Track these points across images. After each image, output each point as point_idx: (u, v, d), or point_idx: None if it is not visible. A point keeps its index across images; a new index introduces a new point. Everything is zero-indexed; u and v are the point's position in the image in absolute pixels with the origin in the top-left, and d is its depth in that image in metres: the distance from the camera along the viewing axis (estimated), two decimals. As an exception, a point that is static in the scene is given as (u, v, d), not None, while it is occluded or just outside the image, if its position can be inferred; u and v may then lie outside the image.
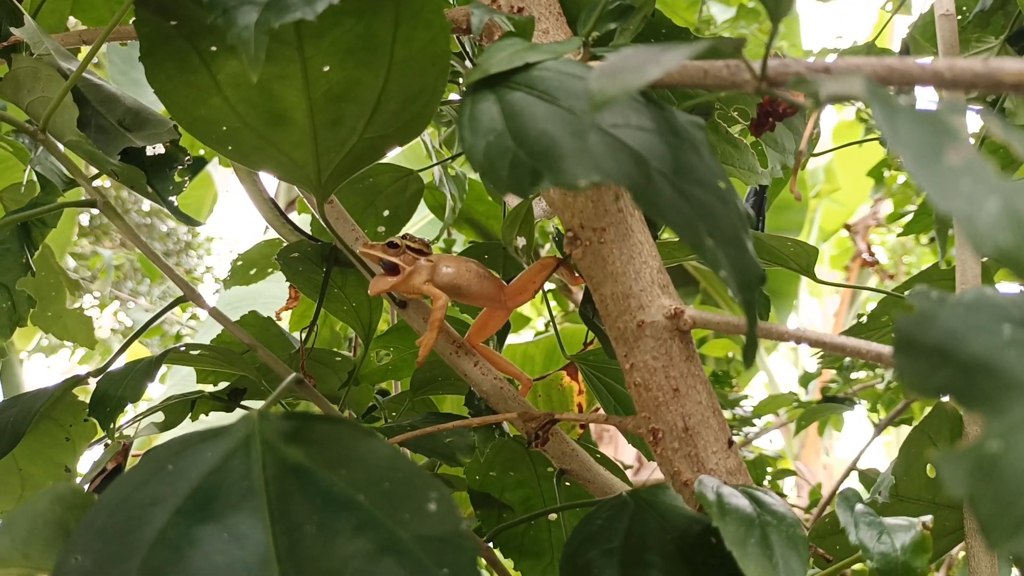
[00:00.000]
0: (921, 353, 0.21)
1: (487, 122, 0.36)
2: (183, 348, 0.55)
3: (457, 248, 1.56)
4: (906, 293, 0.76)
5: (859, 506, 0.41)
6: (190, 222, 0.51)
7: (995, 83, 0.26)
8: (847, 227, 3.71)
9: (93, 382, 0.54)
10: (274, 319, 0.76)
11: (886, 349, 0.35)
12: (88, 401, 0.60)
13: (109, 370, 0.52)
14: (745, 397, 1.71)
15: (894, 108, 0.23)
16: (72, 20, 0.72)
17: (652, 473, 1.88)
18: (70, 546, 0.28)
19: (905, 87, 0.28)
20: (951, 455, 0.18)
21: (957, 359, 0.21)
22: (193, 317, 3.30)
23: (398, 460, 0.31)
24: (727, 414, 1.69)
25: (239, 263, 0.97)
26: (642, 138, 0.34)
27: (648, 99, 0.36)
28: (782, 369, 3.98)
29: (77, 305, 0.72)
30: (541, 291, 0.72)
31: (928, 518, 0.39)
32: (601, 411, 0.73)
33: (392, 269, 0.50)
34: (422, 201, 0.88)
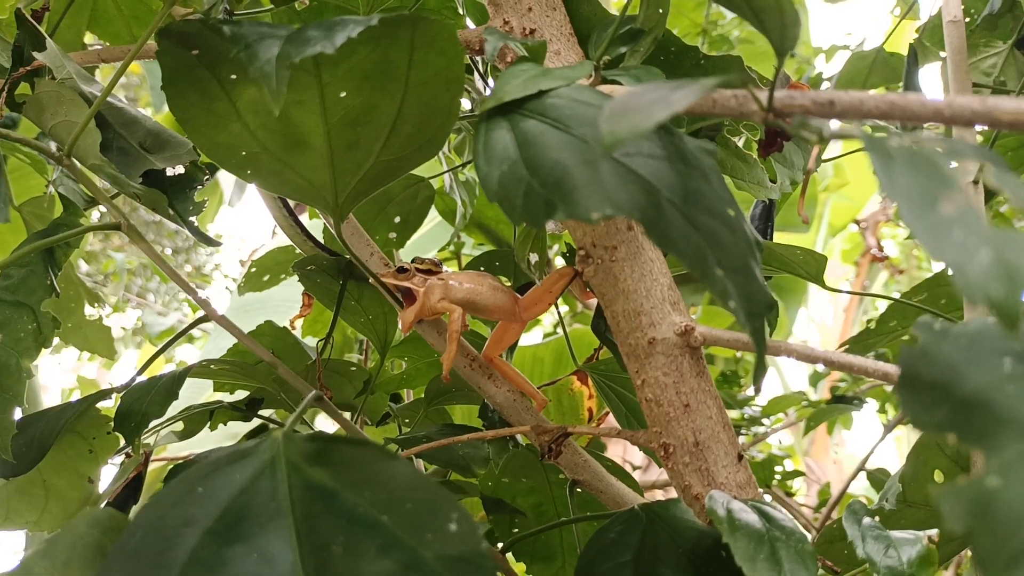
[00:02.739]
0: (923, 388, 0.22)
1: (501, 151, 0.37)
2: (205, 362, 0.56)
3: (466, 251, 1.57)
4: (915, 297, 0.77)
5: (866, 519, 0.42)
6: (210, 242, 0.52)
7: (993, 120, 0.27)
8: (856, 222, 3.71)
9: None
10: (288, 327, 0.77)
11: (892, 368, 0.36)
12: (109, 414, 0.61)
13: (133, 385, 0.53)
14: (753, 398, 1.72)
15: (891, 156, 0.24)
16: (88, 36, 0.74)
17: (661, 473, 1.89)
18: (105, 568, 0.30)
19: (907, 122, 0.29)
20: (952, 491, 0.19)
21: (957, 394, 0.22)
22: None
23: (420, 481, 0.32)
24: (735, 414, 1.70)
25: (253, 270, 0.99)
26: (653, 166, 0.34)
27: (659, 125, 0.37)
28: (791, 366, 3.98)
29: (96, 315, 0.73)
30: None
31: (934, 532, 0.40)
32: (611, 418, 0.74)
33: (407, 294, 0.51)
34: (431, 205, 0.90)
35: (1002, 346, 0.24)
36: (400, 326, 0.51)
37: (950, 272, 0.22)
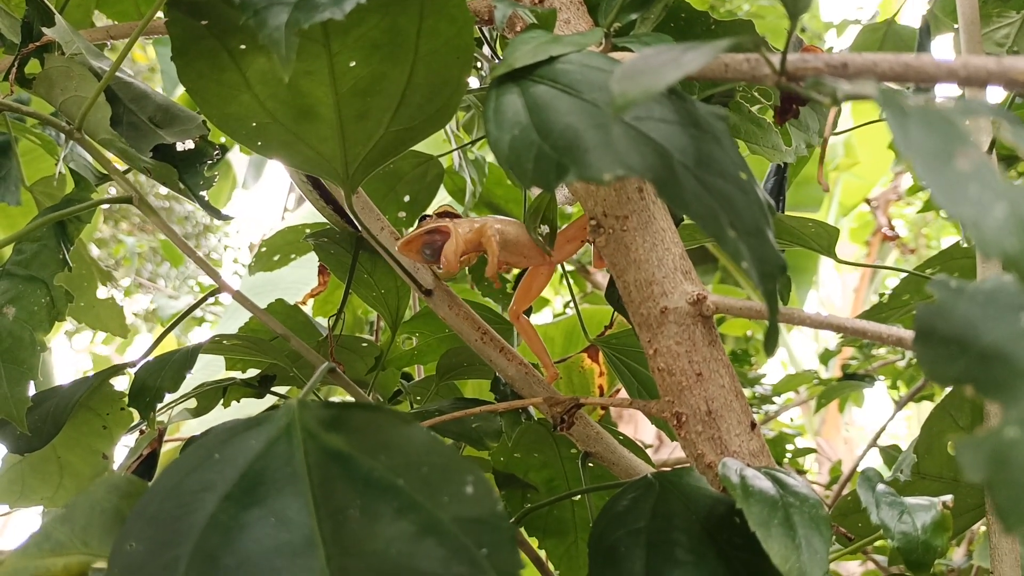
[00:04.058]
0: (940, 343, 0.22)
1: (512, 116, 0.37)
2: (217, 338, 0.57)
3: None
4: (927, 270, 0.76)
5: (880, 486, 0.42)
6: (221, 217, 0.52)
7: (1008, 80, 0.26)
8: (867, 201, 3.69)
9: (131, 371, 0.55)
10: (300, 306, 0.77)
11: (907, 333, 0.36)
12: (124, 390, 0.62)
13: (146, 360, 0.54)
14: (764, 376, 1.72)
15: (905, 113, 0.24)
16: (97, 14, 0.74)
17: (672, 451, 1.90)
18: (124, 533, 0.30)
19: (921, 84, 0.29)
20: (970, 442, 0.19)
21: (974, 349, 0.21)
22: (217, 302, 3.33)
23: (435, 445, 0.32)
24: (746, 392, 1.70)
25: (263, 250, 0.99)
26: (665, 130, 0.34)
27: (670, 90, 0.36)
28: (802, 345, 3.98)
29: (109, 295, 0.74)
30: (561, 271, 0.72)
31: (948, 498, 0.40)
32: (623, 392, 0.74)
33: (434, 252, 0.50)
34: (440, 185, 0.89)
35: (1019, 301, 0.24)
36: (443, 269, 0.49)
37: (965, 228, 0.22)
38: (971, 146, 0.24)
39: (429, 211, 0.55)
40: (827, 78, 0.31)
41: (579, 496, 0.68)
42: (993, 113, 0.29)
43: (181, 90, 2.14)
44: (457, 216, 0.51)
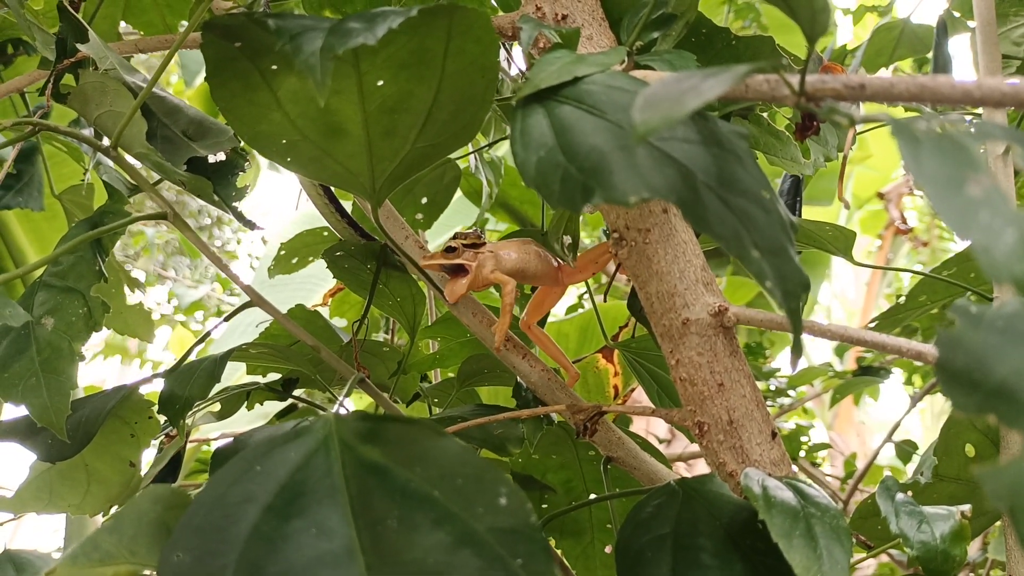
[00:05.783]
0: (960, 373, 0.23)
1: (538, 137, 0.38)
2: (244, 347, 0.58)
3: (490, 227, 1.58)
4: (944, 272, 0.76)
5: (899, 495, 0.42)
6: (253, 227, 0.53)
7: (1021, 102, 0.27)
8: (880, 195, 3.67)
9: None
10: (318, 311, 0.78)
11: (927, 348, 0.37)
12: (151, 399, 0.63)
13: (175, 369, 0.55)
14: (779, 370, 1.72)
15: (918, 140, 0.25)
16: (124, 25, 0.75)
17: (687, 446, 1.90)
18: (172, 544, 0.31)
19: (937, 104, 0.30)
20: (993, 470, 0.20)
21: (993, 378, 0.22)
22: (232, 293, 3.37)
23: (468, 457, 0.33)
24: (760, 385, 1.70)
25: (282, 252, 1.00)
26: (688, 151, 0.35)
27: (693, 110, 0.37)
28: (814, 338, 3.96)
29: (137, 300, 0.75)
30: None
31: (967, 507, 0.40)
32: (639, 391, 0.75)
33: (456, 271, 0.52)
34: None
35: (1035, 328, 0.25)
36: (447, 297, 0.52)
37: (977, 252, 0.23)
38: (982, 172, 0.25)
39: (461, 228, 0.57)
40: (845, 100, 0.32)
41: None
42: (1006, 136, 0.30)
43: (199, 81, 2.16)
44: (482, 243, 0.53)
